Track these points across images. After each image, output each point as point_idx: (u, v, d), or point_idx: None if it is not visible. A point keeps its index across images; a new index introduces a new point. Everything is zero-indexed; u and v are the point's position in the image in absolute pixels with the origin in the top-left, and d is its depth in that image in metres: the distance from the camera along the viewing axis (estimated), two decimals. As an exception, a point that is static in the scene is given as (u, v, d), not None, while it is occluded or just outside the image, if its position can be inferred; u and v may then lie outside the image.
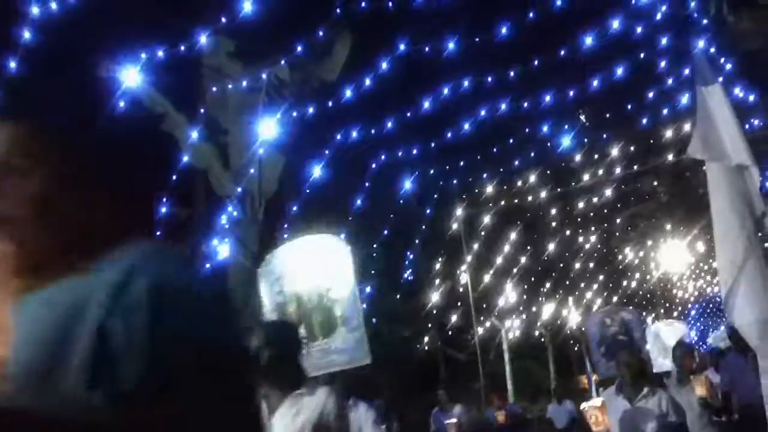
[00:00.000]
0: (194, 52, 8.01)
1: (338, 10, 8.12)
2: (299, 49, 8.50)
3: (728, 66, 7.85)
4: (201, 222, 11.60)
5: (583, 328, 20.64)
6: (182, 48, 7.37)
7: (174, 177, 8.54)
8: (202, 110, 9.63)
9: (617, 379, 5.35)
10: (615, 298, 21.53)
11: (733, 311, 4.15)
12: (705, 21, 6.03)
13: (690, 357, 7.17)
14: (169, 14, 9.51)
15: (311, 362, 4.87)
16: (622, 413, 5.00)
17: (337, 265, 5.23)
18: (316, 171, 9.90)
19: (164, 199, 8.64)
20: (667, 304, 27.41)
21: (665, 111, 10.45)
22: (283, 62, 9.50)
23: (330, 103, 9.44)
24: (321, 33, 8.61)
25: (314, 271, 5.24)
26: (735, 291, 4.07)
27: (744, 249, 4.06)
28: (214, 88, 10.16)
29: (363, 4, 7.80)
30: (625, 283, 22.40)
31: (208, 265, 10.53)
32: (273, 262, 5.57)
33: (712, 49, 6.32)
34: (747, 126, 8.04)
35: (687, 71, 8.46)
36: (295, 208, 10.39)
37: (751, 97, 8.58)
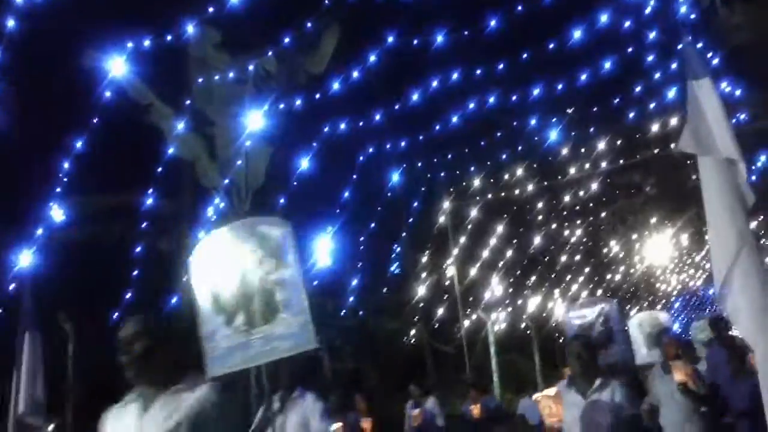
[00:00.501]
0: (180, 43, 7.91)
1: (326, 2, 8.05)
2: (287, 40, 8.43)
3: (715, 61, 7.89)
4: (187, 214, 11.53)
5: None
6: (168, 38, 7.28)
7: (160, 169, 8.46)
8: (188, 101, 9.54)
9: (568, 372, 5.10)
10: (600, 291, 21.66)
11: (726, 301, 4.18)
12: (693, 15, 6.05)
13: (672, 345, 7.08)
14: (155, 4, 9.41)
15: (255, 351, 4.71)
16: (579, 409, 4.79)
17: (278, 246, 4.87)
18: (304, 163, 9.84)
19: (150, 191, 8.59)
20: (651, 297, 27.63)
21: (652, 105, 10.48)
22: (270, 54, 9.44)
23: (318, 96, 9.39)
24: (309, 25, 8.55)
25: (253, 254, 4.88)
26: (729, 281, 4.10)
27: (737, 240, 4.09)
28: (201, 80, 10.08)
29: (351, -5, 7.74)
30: (609, 276, 22.54)
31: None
32: (206, 248, 5.09)
33: (700, 45, 6.33)
34: (733, 121, 8.08)
35: (674, 66, 8.51)
36: (282, 201, 10.33)
37: (738, 92, 8.63)
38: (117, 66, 7.12)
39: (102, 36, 8.11)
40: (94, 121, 7.01)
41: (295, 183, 10.12)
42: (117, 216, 10.99)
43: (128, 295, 8.80)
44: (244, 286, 4.88)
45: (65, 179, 7.27)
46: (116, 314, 8.81)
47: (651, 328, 8.85)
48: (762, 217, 12.95)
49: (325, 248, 10.87)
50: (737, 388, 6.51)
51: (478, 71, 9.47)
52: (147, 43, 7.08)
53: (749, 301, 4.08)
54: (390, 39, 8.30)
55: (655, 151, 12.24)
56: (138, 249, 9.03)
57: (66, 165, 7.15)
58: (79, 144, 7.06)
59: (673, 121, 10.34)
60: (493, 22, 7.85)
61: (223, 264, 4.96)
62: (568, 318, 9.37)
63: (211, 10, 7.45)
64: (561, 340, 22.21)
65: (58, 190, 7.39)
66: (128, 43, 7.12)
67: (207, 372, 4.71)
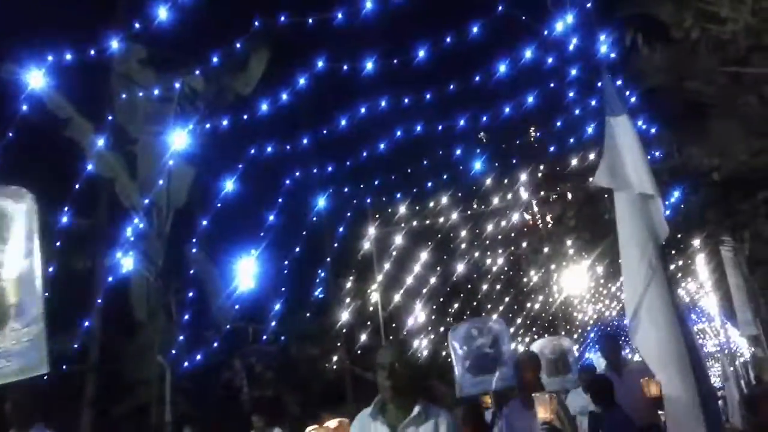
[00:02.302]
0: (104, 57, 7.70)
1: (256, 23, 8.01)
2: (215, 60, 8.32)
3: (633, 99, 8.24)
4: (103, 233, 11.15)
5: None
6: (92, 52, 7.08)
7: (77, 186, 8.15)
8: (109, 117, 9.27)
9: (376, 398, 3.72)
10: (519, 320, 22.07)
11: (636, 334, 4.31)
12: (613, 55, 6.33)
13: (531, 370, 5.80)
14: (79, 16, 9.15)
15: None
16: None
17: (11, 230, 3.59)
18: (228, 185, 9.68)
19: (65, 209, 8.25)
20: (568, 327, 28.34)
21: (572, 140, 10.86)
22: (197, 72, 9.30)
23: (245, 117, 9.29)
24: (238, 45, 8.47)
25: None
26: (638, 315, 4.24)
27: (646, 275, 4.24)
28: (124, 96, 9.83)
29: (282, 18, 7.73)
30: (529, 305, 23.02)
31: (110, 279, 10.12)
32: None
33: (619, 82, 6.62)
34: (649, 157, 8.43)
35: (594, 102, 8.86)
36: (204, 222, 10.12)
37: (653, 130, 9.03)
38: (36, 79, 6.86)
39: (21, 48, 7.82)
40: (9, 134, 6.71)
41: (218, 205, 9.93)
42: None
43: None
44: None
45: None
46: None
47: (552, 354, 8.55)
48: (674, 251, 13.56)
49: (247, 272, 10.69)
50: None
51: (406, 99, 9.59)
52: (68, 56, 6.85)
53: (655, 332, 4.24)
54: (320, 64, 8.32)
55: (570, 184, 12.66)
56: (50, 269, 8.64)
57: (-24, 178, 6.80)
58: (-9, 157, 6.73)
59: (592, 156, 10.74)
60: (421, 53, 7.98)
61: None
62: (452, 338, 8.24)
63: (137, 26, 7.30)
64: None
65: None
66: (48, 56, 6.88)
67: None
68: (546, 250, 17.54)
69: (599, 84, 5.06)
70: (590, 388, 6.74)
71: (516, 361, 6.39)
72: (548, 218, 16.02)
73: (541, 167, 13.77)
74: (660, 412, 5.70)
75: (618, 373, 6.81)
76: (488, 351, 7.96)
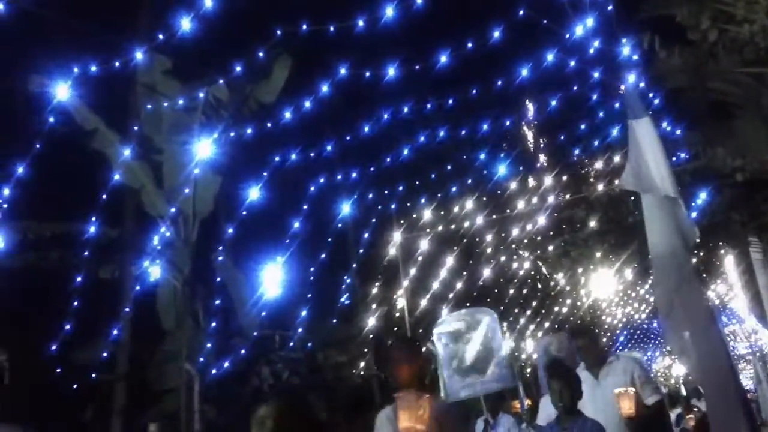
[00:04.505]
0: (129, 69, 7.81)
1: (278, 32, 8.07)
2: (238, 69, 8.40)
3: (657, 101, 8.16)
4: (130, 242, 11.29)
5: (516, 353, 20.85)
6: (116, 64, 7.19)
7: (104, 196, 8.27)
8: (135, 128, 9.40)
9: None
10: (547, 324, 21.88)
11: (670, 336, 4.28)
12: (636, 57, 6.27)
13: (407, 363, 3.92)
14: (103, 29, 9.30)
15: None
16: None
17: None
18: (254, 193, 9.74)
19: (93, 219, 8.38)
20: (597, 330, 28.02)
21: (596, 143, 10.77)
22: (221, 82, 9.39)
23: (268, 125, 9.36)
24: (261, 54, 8.54)
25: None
26: (671, 316, 4.20)
27: (677, 276, 4.20)
28: (149, 106, 9.95)
29: (304, 26, 7.78)
30: (556, 309, 22.81)
31: (138, 287, 10.24)
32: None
33: (642, 84, 6.55)
34: (674, 159, 8.34)
35: (617, 105, 8.78)
36: (230, 231, 10.20)
37: (678, 132, 8.92)
38: (62, 91, 6.98)
39: (48, 60, 7.96)
40: (37, 146, 6.84)
41: (244, 213, 10.01)
42: (58, 244, 10.69)
43: (67, 327, 8.53)
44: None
45: (5, 205, 7.05)
46: (53, 346, 8.52)
47: (558, 352, 7.33)
48: (702, 253, 13.37)
49: (273, 279, 10.74)
50: None
51: (429, 105, 9.60)
52: (93, 68, 6.96)
53: (690, 334, 4.19)
54: (342, 71, 8.36)
55: (600, 187, 12.55)
56: (78, 278, 8.77)
57: (6, 191, 6.94)
58: (20, 169, 6.87)
59: (617, 158, 10.64)
60: (444, 58, 7.97)
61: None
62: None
63: (161, 37, 7.40)
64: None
65: (-1, 216, 7.17)
66: (74, 68, 7.00)
67: None
68: (572, 254, 17.39)
69: (621, 86, 5.01)
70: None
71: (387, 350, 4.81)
72: (573, 222, 15.89)
73: (563, 172, 13.68)
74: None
75: (594, 374, 4.91)
76: (478, 348, 6.95)
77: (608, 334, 28.56)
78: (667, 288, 4.29)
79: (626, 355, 4.70)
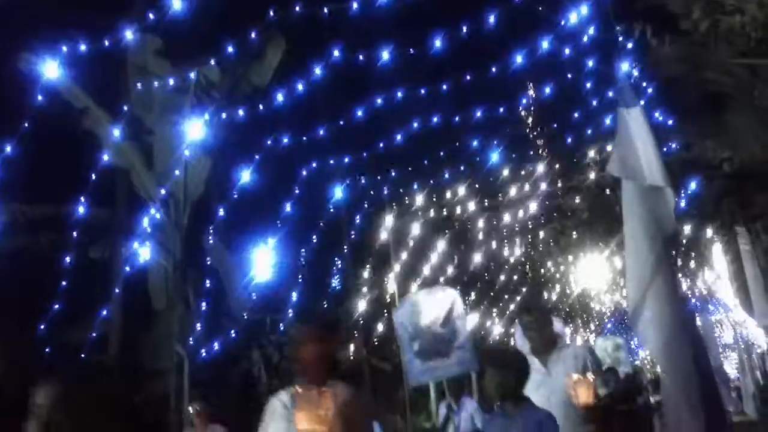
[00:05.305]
0: (119, 49, 7.74)
1: (272, 14, 8.01)
2: (230, 50, 8.34)
3: (650, 90, 8.15)
4: (121, 223, 11.24)
5: (505, 339, 20.98)
6: (106, 43, 7.12)
7: (94, 176, 8.22)
8: (125, 108, 9.33)
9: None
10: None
11: (637, 326, 4.28)
12: (630, 45, 6.26)
13: (316, 342, 3.30)
14: (94, 7, 9.20)
15: None
16: None
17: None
18: (245, 176, 9.71)
19: (83, 200, 8.34)
20: (586, 317, 28.20)
21: (589, 131, 10.76)
22: (212, 62, 9.32)
23: (261, 107, 9.30)
24: (253, 35, 8.47)
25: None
26: (641, 308, 4.20)
27: (652, 267, 4.20)
28: (140, 86, 9.88)
29: (297, 8, 7.71)
30: (546, 296, 22.94)
31: (128, 269, 10.22)
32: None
33: (636, 72, 6.55)
34: (665, 149, 8.35)
35: (611, 93, 8.76)
36: (221, 213, 10.17)
37: (670, 122, 8.92)
38: (51, 70, 6.91)
39: (38, 39, 7.88)
40: (26, 125, 6.78)
41: (235, 195, 9.98)
42: (47, 224, 10.64)
43: (56, 307, 8.51)
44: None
45: (-5, 186, 7.01)
46: (43, 327, 8.51)
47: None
48: (690, 242, 13.44)
49: (264, 262, 10.74)
50: None
51: (422, 90, 9.56)
52: (83, 47, 6.89)
53: (657, 322, 4.19)
54: (335, 53, 8.30)
55: (591, 175, 12.58)
56: (68, 259, 8.74)
57: (-4, 171, 6.89)
58: (8, 149, 6.81)
59: (609, 147, 10.64)
60: (438, 43, 7.93)
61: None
62: (397, 317, 6.82)
63: (152, 17, 7.34)
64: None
65: (-14, 196, 7.13)
66: (64, 47, 6.92)
67: None
68: (561, 242, 17.46)
69: (615, 75, 4.99)
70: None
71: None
72: (563, 210, 15.94)
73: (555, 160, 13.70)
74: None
75: (543, 361, 4.45)
76: (440, 330, 6.48)
77: (596, 321, 28.76)
78: (640, 275, 4.28)
79: (578, 345, 4.48)
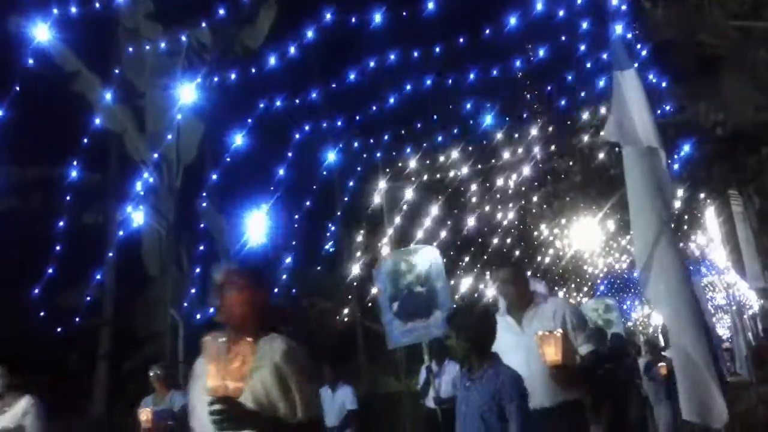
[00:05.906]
0: (111, 11, 7.65)
1: (264, -25, 7.91)
2: (222, 12, 8.25)
3: (644, 53, 8.12)
4: (114, 187, 11.23)
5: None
6: (98, 6, 7.03)
7: (86, 140, 8.17)
8: (117, 71, 9.25)
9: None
10: (529, 273, 22.14)
11: (646, 285, 4.35)
12: (624, 7, 6.21)
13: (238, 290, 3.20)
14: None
15: None
16: None
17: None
18: (238, 139, 9.67)
19: (75, 163, 8.31)
20: (579, 280, 28.41)
21: (583, 94, 10.73)
22: (204, 25, 9.23)
23: (253, 71, 9.22)
24: (245, -2, 8.39)
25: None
26: (648, 266, 4.27)
27: (656, 227, 4.26)
28: (131, 49, 9.78)
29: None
30: (539, 258, 23.08)
31: (121, 233, 10.23)
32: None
33: (630, 35, 6.51)
34: (658, 111, 8.35)
35: (605, 56, 8.73)
36: (214, 177, 10.16)
37: (664, 84, 8.91)
38: (42, 32, 6.83)
39: (28, 1, 7.77)
40: (17, 88, 6.72)
41: (228, 159, 9.95)
42: (39, 188, 10.61)
43: (50, 271, 8.53)
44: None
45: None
46: (36, 290, 8.53)
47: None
48: (683, 205, 13.52)
49: (258, 226, 10.75)
50: None
51: (415, 53, 9.49)
52: (74, 9, 6.80)
53: (665, 283, 4.28)
54: (327, 16, 8.22)
55: (585, 138, 12.57)
56: (61, 223, 8.74)
57: (-14, 134, 6.85)
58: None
59: (603, 110, 10.63)
60: (430, 5, 7.86)
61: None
62: (377, 275, 6.61)
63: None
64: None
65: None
66: (54, 9, 6.83)
67: None
68: (554, 205, 17.52)
69: (609, 38, 4.98)
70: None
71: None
72: (556, 173, 15.97)
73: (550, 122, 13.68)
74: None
75: (517, 319, 4.12)
76: (419, 290, 6.26)
77: (589, 284, 29.00)
78: (645, 240, 4.35)
79: (558, 299, 4.15)
